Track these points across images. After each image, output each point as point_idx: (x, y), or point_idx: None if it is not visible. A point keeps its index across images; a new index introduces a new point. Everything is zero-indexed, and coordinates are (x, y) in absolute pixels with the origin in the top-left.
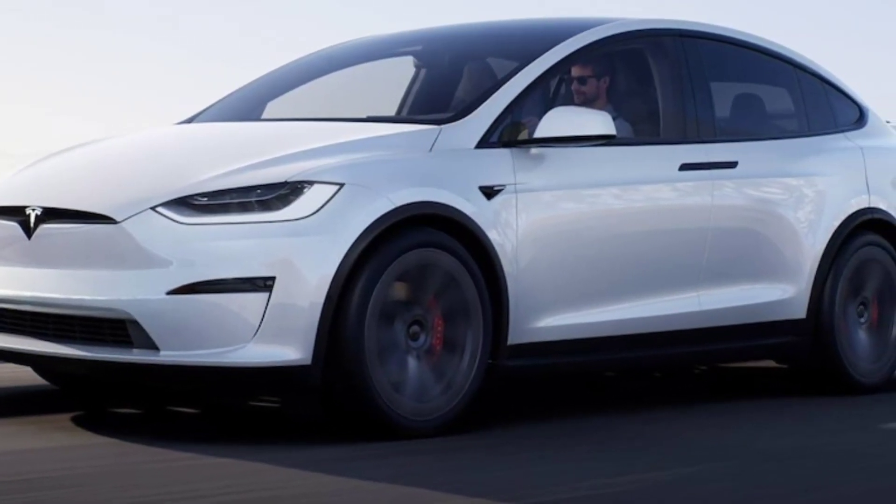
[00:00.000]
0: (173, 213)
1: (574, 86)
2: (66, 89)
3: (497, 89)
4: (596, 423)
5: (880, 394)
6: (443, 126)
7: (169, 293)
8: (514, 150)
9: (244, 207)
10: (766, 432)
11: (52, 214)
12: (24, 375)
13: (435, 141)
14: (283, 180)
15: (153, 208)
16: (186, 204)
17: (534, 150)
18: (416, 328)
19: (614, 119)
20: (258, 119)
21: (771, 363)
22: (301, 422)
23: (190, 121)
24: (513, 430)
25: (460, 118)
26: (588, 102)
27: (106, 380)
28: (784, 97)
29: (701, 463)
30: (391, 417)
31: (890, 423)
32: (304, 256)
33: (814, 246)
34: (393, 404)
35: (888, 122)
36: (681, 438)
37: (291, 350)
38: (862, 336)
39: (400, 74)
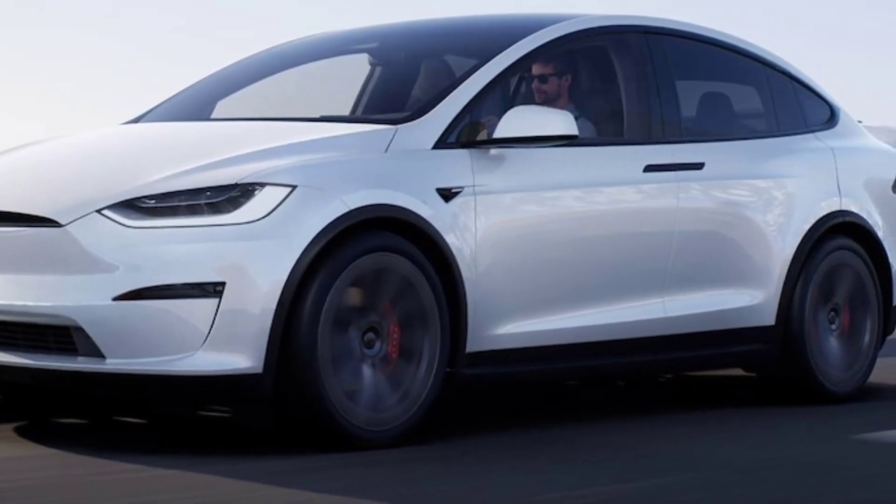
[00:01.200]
0: (120, 216)
1: (535, 84)
2: (3, 88)
3: (455, 88)
4: (557, 433)
5: (852, 403)
6: (399, 126)
7: (115, 299)
8: (473, 150)
9: (193, 210)
10: (733, 443)
11: None
12: None
13: (391, 141)
14: (233, 182)
15: (99, 211)
16: (133, 206)
17: (493, 151)
18: (371, 335)
19: (576, 119)
20: (208, 119)
21: (739, 372)
22: (252, 432)
23: (137, 120)
24: (471, 441)
25: (417, 118)
26: (549, 101)
27: (50, 389)
28: (752, 96)
29: (666, 475)
30: (345, 428)
31: (862, 433)
32: (256, 261)
33: (783, 250)
34: (347, 414)
35: (860, 121)
36: (645, 449)
37: (242, 358)
38: (833, 343)
39: (354, 72)
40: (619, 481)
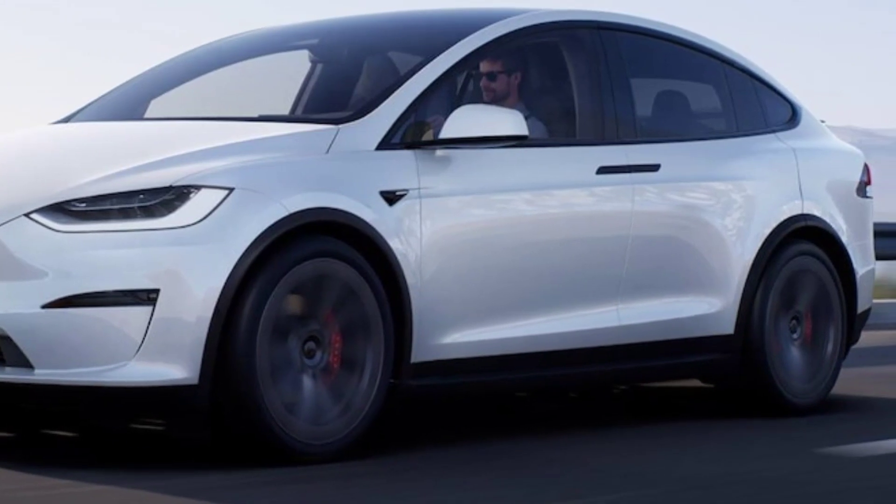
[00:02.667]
0: (49, 221)
1: (483, 82)
2: None
3: (399, 86)
4: (506, 447)
5: (815, 416)
6: (341, 126)
7: (44, 307)
8: (418, 151)
9: (126, 214)
10: (690, 458)
11: None
12: None
13: (332, 142)
14: (167, 185)
15: (27, 215)
16: (63, 210)
17: (439, 152)
18: (311, 345)
19: (526, 118)
20: (141, 118)
21: (696, 383)
22: (188, 446)
23: (66, 120)
24: (417, 456)
25: (360, 117)
26: (498, 100)
27: None
28: (711, 95)
29: (620, 491)
30: (285, 441)
31: (825, 447)
32: (191, 267)
33: (742, 256)
34: (287, 427)
35: (823, 121)
36: (598, 464)
37: (177, 368)
38: (795, 353)
39: (294, 70)
40: (571, 498)
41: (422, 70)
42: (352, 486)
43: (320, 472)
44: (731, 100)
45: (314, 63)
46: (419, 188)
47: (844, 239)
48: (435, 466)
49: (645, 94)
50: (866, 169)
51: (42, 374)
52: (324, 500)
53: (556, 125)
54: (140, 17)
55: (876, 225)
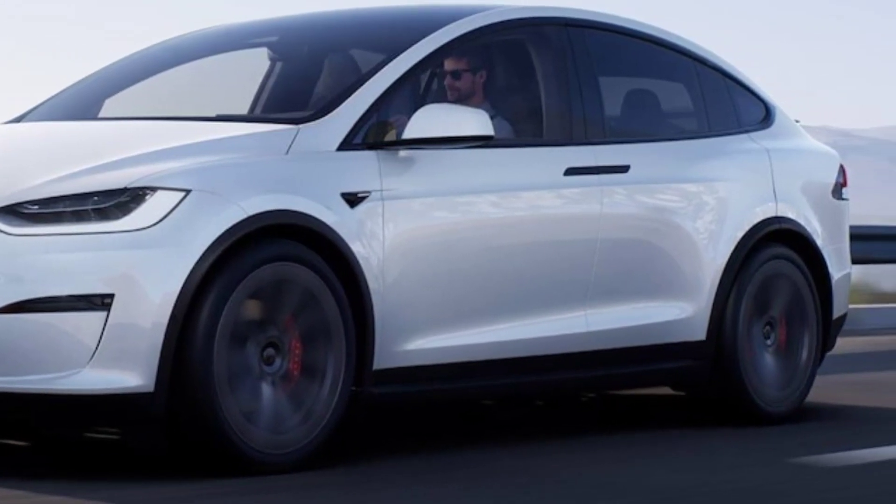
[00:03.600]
0: (0, 223)
1: (447, 81)
2: None
3: (361, 85)
4: (472, 456)
5: (789, 424)
6: (301, 126)
7: None
8: (381, 152)
9: (79, 216)
10: (661, 467)
11: None
12: None
13: (292, 142)
14: (122, 186)
15: None
16: (14, 212)
17: (402, 153)
18: (270, 351)
19: (492, 118)
20: (95, 118)
21: (667, 390)
22: (143, 455)
23: (18, 120)
24: (379, 465)
25: (320, 117)
26: (463, 99)
27: None
28: (682, 94)
29: (589, 501)
30: (243, 450)
31: (799, 457)
32: (147, 271)
33: (714, 259)
34: (245, 436)
35: (798, 120)
36: (567, 474)
37: (132, 375)
38: (768, 360)
39: (253, 68)
40: None
41: (384, 68)
42: (312, 497)
43: (280, 482)
44: (703, 99)
45: (273, 61)
46: (381, 190)
47: (819, 242)
48: (398, 476)
49: (614, 93)
50: (842, 170)
51: None
52: None
53: (522, 125)
54: (96, 14)
55: (852, 228)
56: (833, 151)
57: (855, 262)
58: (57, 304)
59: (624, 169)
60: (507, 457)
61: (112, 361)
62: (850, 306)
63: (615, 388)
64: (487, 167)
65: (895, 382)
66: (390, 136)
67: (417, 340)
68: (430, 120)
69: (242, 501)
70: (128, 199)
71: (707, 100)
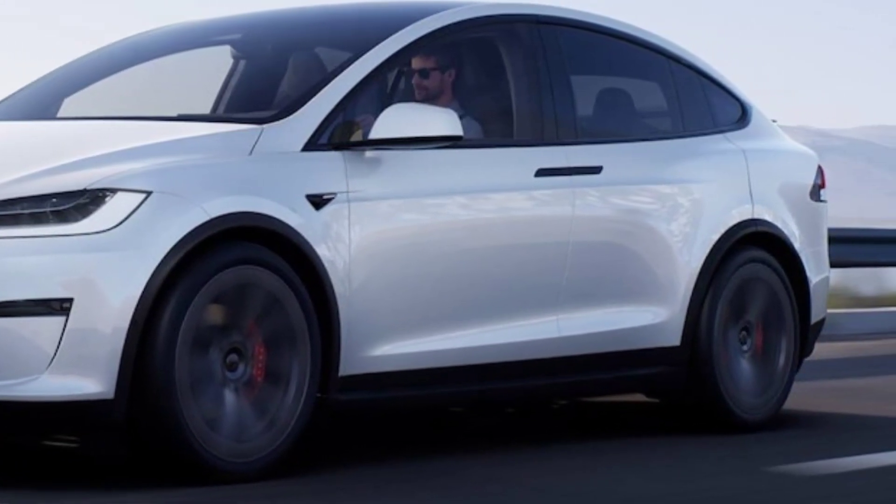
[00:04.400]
0: None
1: (415, 79)
2: None
3: (327, 84)
4: (440, 465)
5: (766, 432)
6: (265, 126)
7: None
8: (347, 153)
9: (37, 219)
10: (635, 476)
11: None
12: None
13: (256, 143)
14: (81, 188)
15: None
16: None
17: (369, 154)
18: (233, 357)
19: (461, 117)
20: (53, 118)
21: (640, 397)
22: (103, 463)
23: None
24: (345, 474)
25: (285, 117)
26: (431, 98)
27: None
28: (656, 93)
29: None
30: (206, 459)
31: (776, 465)
32: (107, 275)
33: (689, 263)
34: (208, 444)
35: (775, 120)
36: (538, 483)
37: (92, 382)
38: (744, 366)
39: (215, 67)
40: None
41: (350, 67)
42: None
43: (243, 491)
44: (678, 98)
45: (236, 59)
46: (348, 191)
47: (797, 245)
48: (365, 486)
49: (586, 92)
50: (820, 171)
51: None
52: None
53: (492, 125)
54: (52, 11)
55: (830, 230)
56: (811, 152)
57: (833, 265)
58: (14, 309)
59: (596, 170)
60: (477, 465)
61: (71, 367)
62: (829, 311)
63: (588, 394)
64: (456, 168)
65: (875, 389)
66: (357, 137)
67: (385, 346)
68: (397, 120)
69: None
70: (87, 200)
71: (682, 99)
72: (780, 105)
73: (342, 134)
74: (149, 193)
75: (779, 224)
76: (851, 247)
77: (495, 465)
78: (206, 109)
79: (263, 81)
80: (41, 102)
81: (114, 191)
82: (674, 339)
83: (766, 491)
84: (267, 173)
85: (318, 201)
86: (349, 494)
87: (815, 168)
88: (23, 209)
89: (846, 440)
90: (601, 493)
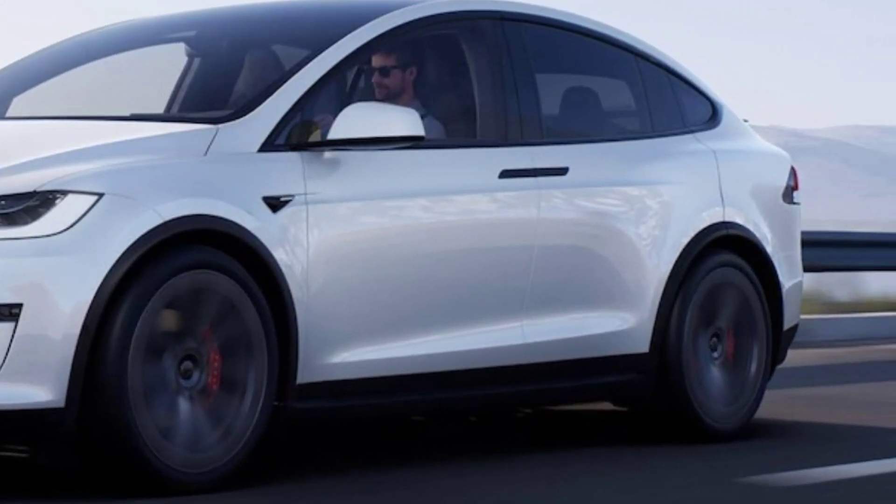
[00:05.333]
0: None
1: (375, 78)
2: None
3: (284, 82)
4: (401, 476)
5: (736, 441)
6: (220, 126)
7: None
8: (305, 153)
9: None
10: (601, 487)
11: None
12: None
13: (211, 143)
14: (31, 190)
15: None
16: None
17: (328, 154)
18: (188, 364)
19: (422, 117)
20: (2, 117)
21: (608, 405)
22: (54, 474)
23: None
24: (303, 485)
25: (241, 116)
26: (392, 97)
27: None
28: (624, 91)
29: None
30: (159, 469)
31: (747, 476)
32: (57, 279)
33: (658, 267)
34: (161, 454)
35: (746, 120)
36: (502, 494)
37: (41, 390)
38: (715, 373)
39: (169, 65)
40: None
41: (308, 65)
42: None
43: (197, 502)
44: (646, 97)
45: (191, 57)
46: (306, 193)
47: (769, 249)
48: (324, 497)
49: (552, 91)
50: (793, 172)
51: None
52: None
53: (454, 125)
54: (2, 9)
55: (804, 233)
56: (784, 153)
57: (807, 269)
58: None
59: (562, 171)
60: (438, 476)
61: (20, 375)
62: (803, 317)
63: (554, 402)
64: (418, 169)
65: (849, 397)
66: (315, 137)
67: (344, 353)
68: (357, 119)
69: None
70: (37, 203)
71: (650, 98)
72: (752, 105)
73: (300, 134)
74: (101, 195)
75: (750, 227)
76: (826, 250)
77: (457, 475)
78: (159, 109)
79: (219, 80)
80: None
81: (64, 193)
82: (642, 345)
83: (736, 502)
84: (222, 175)
85: (275, 203)
86: None
87: (788, 169)
88: None
89: (819, 450)
90: None
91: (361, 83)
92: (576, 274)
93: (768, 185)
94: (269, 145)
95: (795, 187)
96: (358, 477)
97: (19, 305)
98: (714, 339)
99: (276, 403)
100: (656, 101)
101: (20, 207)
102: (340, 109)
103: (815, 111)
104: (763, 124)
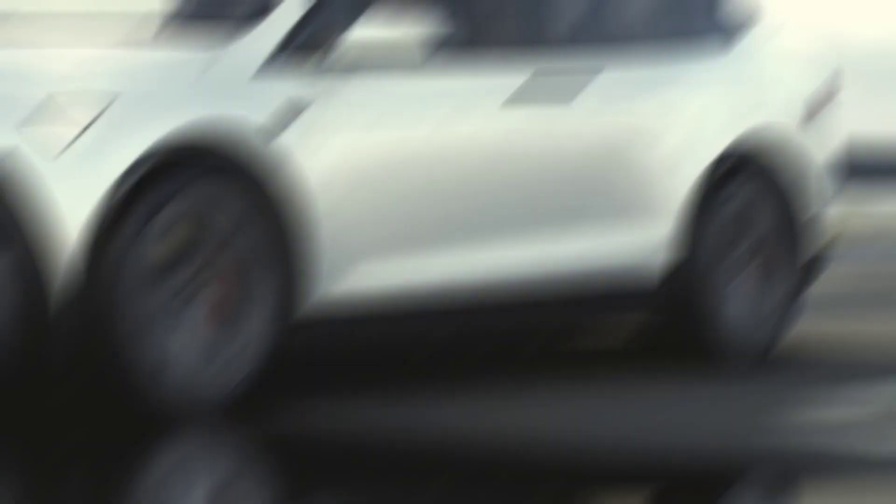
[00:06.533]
0: None
1: None
2: None
3: None
4: (404, 414)
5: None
6: (221, 45)
7: None
8: (317, 64)
9: None
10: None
11: None
12: None
13: (212, 63)
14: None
15: None
16: None
17: (342, 64)
18: (189, 291)
19: (446, 17)
20: None
21: (615, 345)
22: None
23: None
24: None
25: (243, 36)
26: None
27: None
28: None
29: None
30: (158, 397)
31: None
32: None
33: (684, 184)
34: (160, 382)
35: (785, 21)
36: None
37: None
38: (740, 297)
39: None
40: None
41: None
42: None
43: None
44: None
45: None
46: (311, 115)
47: (803, 163)
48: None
49: None
50: (835, 80)
51: None
52: None
53: (480, 25)
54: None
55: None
56: (827, 58)
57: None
58: None
59: (596, 71)
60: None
61: None
62: (831, 242)
63: (576, 316)
64: (437, 77)
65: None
66: (330, 45)
67: (349, 277)
68: (373, 25)
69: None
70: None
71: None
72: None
73: (317, 39)
74: (97, 116)
75: (785, 137)
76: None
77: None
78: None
79: None
80: None
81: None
82: (665, 261)
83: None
84: (224, 95)
85: (279, 125)
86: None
87: (830, 76)
88: None
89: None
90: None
91: None
92: (602, 184)
93: (805, 95)
94: (278, 56)
95: (836, 97)
96: (359, 408)
97: None
98: (743, 259)
99: (286, 327)
100: (693, 2)
101: None
102: (356, 17)
103: (867, 12)
104: (804, 24)
